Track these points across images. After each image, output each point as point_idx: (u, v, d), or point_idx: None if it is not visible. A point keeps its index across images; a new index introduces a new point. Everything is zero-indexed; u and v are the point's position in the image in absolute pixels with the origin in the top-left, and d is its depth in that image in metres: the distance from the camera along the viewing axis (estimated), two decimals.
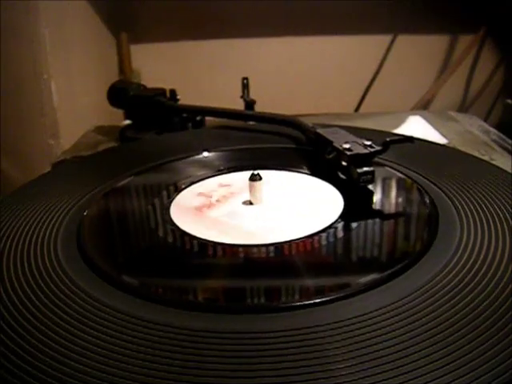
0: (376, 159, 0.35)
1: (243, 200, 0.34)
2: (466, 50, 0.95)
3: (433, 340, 0.20)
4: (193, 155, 0.42)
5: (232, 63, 0.92)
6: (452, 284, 0.24)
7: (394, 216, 0.33)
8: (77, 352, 0.21)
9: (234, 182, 0.37)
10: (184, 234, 0.30)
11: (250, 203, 0.33)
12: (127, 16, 0.91)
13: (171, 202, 0.34)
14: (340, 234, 0.30)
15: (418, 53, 0.95)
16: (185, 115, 0.54)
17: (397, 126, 0.57)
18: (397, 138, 0.35)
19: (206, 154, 0.42)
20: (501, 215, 0.30)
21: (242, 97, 0.58)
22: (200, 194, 0.35)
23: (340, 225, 0.30)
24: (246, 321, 0.22)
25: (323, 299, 0.23)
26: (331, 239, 0.29)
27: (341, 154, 0.35)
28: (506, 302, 0.22)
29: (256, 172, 0.33)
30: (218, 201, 0.34)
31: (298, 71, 0.94)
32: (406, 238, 0.30)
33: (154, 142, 0.49)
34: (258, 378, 0.19)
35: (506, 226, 0.28)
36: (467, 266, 0.25)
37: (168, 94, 0.56)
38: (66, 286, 0.25)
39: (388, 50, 0.95)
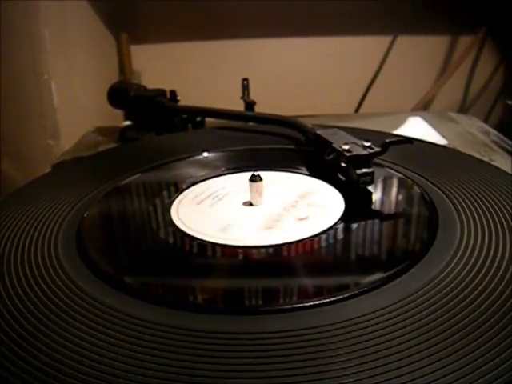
0: (376, 160, 0.35)
1: (243, 201, 0.34)
2: (466, 50, 0.95)
3: (435, 340, 0.20)
4: (193, 156, 0.42)
5: (232, 64, 0.92)
6: (453, 284, 0.24)
7: (394, 217, 0.33)
8: (76, 352, 0.21)
9: (233, 183, 0.37)
10: (184, 235, 0.30)
11: (250, 204, 0.33)
12: (127, 16, 0.91)
13: (172, 202, 0.34)
14: (341, 235, 0.30)
15: (418, 53, 0.95)
16: (185, 116, 0.54)
17: (396, 127, 0.57)
18: (396, 139, 0.35)
19: (205, 154, 0.42)
20: (501, 216, 0.30)
21: (242, 98, 0.58)
22: (201, 195, 0.35)
23: (341, 226, 0.30)
24: (248, 322, 0.22)
25: (327, 300, 0.23)
26: (333, 240, 0.29)
27: (340, 155, 0.35)
28: (506, 302, 0.22)
29: (256, 173, 0.33)
30: (218, 200, 0.34)
31: (297, 72, 0.94)
32: (407, 238, 0.30)
33: (154, 143, 0.49)
34: (261, 378, 0.19)
35: (506, 227, 0.28)
36: (468, 267, 0.25)
37: (168, 95, 0.56)
38: (67, 286, 0.25)
39: (388, 50, 0.95)
